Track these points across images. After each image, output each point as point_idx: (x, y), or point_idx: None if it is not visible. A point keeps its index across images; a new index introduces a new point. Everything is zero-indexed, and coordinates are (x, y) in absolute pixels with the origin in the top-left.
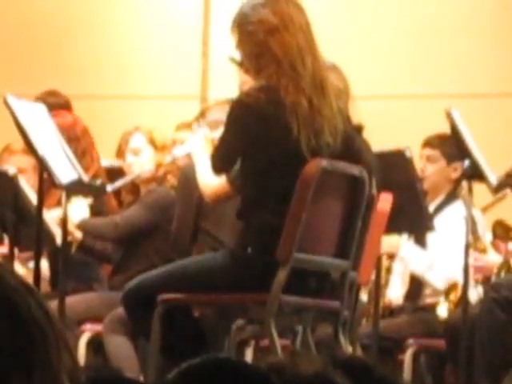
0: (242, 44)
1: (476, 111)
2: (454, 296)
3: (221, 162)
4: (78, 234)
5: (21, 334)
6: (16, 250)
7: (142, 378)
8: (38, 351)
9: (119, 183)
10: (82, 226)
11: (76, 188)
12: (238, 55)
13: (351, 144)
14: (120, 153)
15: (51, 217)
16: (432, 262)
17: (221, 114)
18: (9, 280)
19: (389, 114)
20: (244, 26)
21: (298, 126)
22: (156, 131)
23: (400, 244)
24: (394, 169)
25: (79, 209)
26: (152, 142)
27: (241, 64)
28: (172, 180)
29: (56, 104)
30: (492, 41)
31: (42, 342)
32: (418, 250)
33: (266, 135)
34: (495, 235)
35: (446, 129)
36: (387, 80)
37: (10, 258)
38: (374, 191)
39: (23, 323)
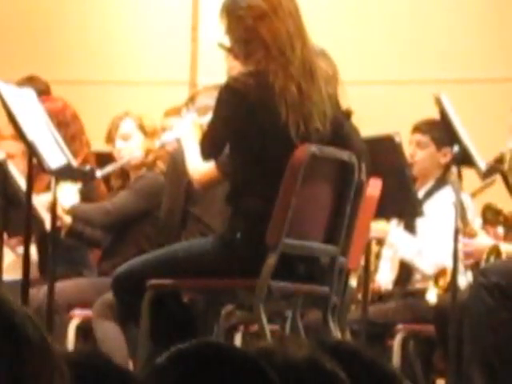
0: (231, 29)
1: (465, 96)
2: (443, 281)
3: (210, 147)
4: (68, 219)
5: (16, 358)
6: (5, 235)
7: (131, 364)
8: (32, 375)
9: (108, 169)
10: (72, 212)
11: (65, 173)
12: (227, 41)
13: (340, 129)
14: (110, 138)
15: (40, 201)
16: (421, 248)
17: (210, 100)
18: (9, 303)
19: (378, 100)
20: (233, 12)
21: (286, 111)
22: (146, 117)
23: (389, 230)
24: (383, 154)
25: (69, 194)
26: (142, 128)
27: (230, 49)
28: (161, 166)
29: (36, 90)
30: (480, 26)
31: (37, 368)
32: (407, 235)
33: (254, 120)
34: (485, 219)
35: (435, 114)
36: (376, 65)
37: None
38: (363, 177)
39: (19, 346)
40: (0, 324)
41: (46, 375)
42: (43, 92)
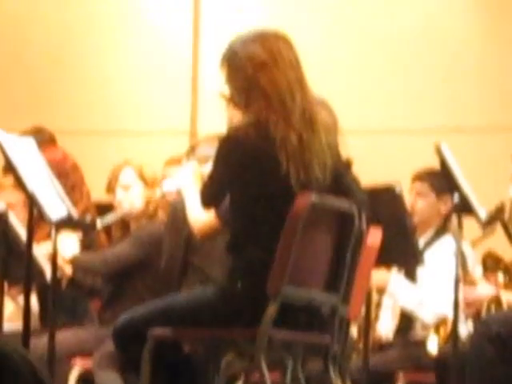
0: (231, 79)
1: (464, 145)
2: (444, 331)
3: (210, 196)
4: (68, 270)
5: None
6: (6, 285)
7: None
8: None
9: (109, 219)
10: (73, 261)
11: (66, 223)
12: (227, 91)
13: (341, 179)
14: (110, 188)
15: (41, 251)
16: (422, 298)
17: (210, 149)
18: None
19: (378, 149)
20: (233, 61)
21: (287, 160)
22: (146, 166)
23: (389, 279)
24: (384, 203)
25: (70, 244)
26: (142, 178)
27: (230, 99)
28: (162, 215)
29: (41, 141)
30: (480, 76)
31: None
32: (408, 285)
33: (254, 170)
34: (485, 267)
35: (435, 163)
36: (376, 115)
37: None
38: (364, 226)
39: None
40: None
41: None
42: (49, 142)
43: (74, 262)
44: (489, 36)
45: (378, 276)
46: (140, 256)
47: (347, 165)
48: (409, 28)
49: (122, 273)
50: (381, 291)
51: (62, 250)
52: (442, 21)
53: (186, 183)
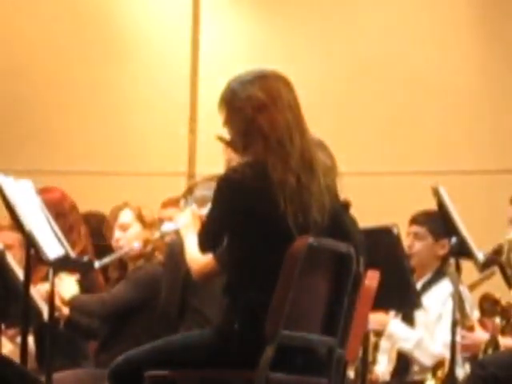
0: (230, 121)
1: (461, 188)
2: (442, 373)
3: (208, 240)
4: (66, 311)
5: None
6: (3, 326)
7: None
8: None
9: (107, 260)
10: (70, 302)
11: (63, 264)
12: (225, 133)
13: (339, 221)
14: (108, 228)
15: (39, 291)
16: (420, 340)
17: (208, 191)
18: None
19: (375, 191)
20: (232, 103)
21: (284, 202)
22: (144, 208)
23: (387, 322)
24: (381, 246)
25: (68, 284)
26: (140, 219)
27: (228, 142)
28: (159, 256)
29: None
30: (477, 120)
31: None
32: (406, 328)
33: (252, 211)
34: (482, 310)
35: (433, 205)
36: (373, 157)
37: None
38: (362, 268)
39: None
40: None
41: None
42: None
43: (71, 302)
44: (482, 77)
45: (376, 319)
46: (137, 298)
47: (345, 206)
48: (411, 71)
49: (118, 314)
50: (378, 334)
51: (61, 290)
52: (440, 63)
53: (186, 225)
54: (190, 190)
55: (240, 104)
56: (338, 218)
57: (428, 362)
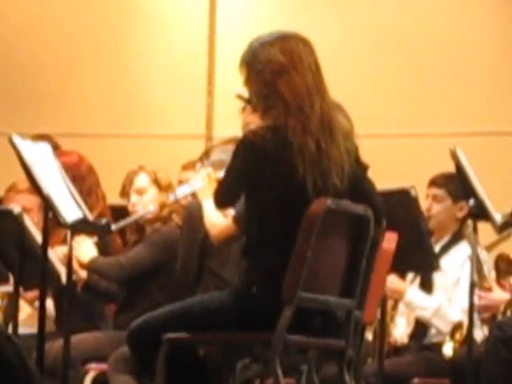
0: (250, 82)
1: (480, 150)
2: (460, 335)
3: (223, 195)
4: (83, 274)
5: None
6: (21, 289)
7: None
8: None
9: (123, 223)
10: (89, 265)
11: (81, 227)
12: (245, 92)
13: (359, 184)
14: (124, 192)
15: (57, 254)
16: (438, 308)
17: (224, 155)
18: None
19: (394, 153)
20: (252, 65)
21: (304, 167)
22: (160, 171)
23: (404, 290)
24: (399, 208)
25: (87, 247)
26: (156, 182)
27: (248, 101)
28: (177, 219)
29: None
30: (495, 81)
31: None
32: (423, 296)
33: (270, 174)
34: (498, 270)
35: (450, 168)
36: (392, 119)
37: (15, 296)
38: (380, 231)
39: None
40: None
41: None
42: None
43: (90, 265)
44: (500, 38)
45: (393, 287)
46: (155, 260)
47: (363, 169)
48: (429, 33)
49: (136, 277)
50: (396, 300)
51: (79, 253)
52: (459, 25)
53: (202, 189)
54: (206, 154)
55: (260, 67)
56: (358, 182)
57: (446, 328)
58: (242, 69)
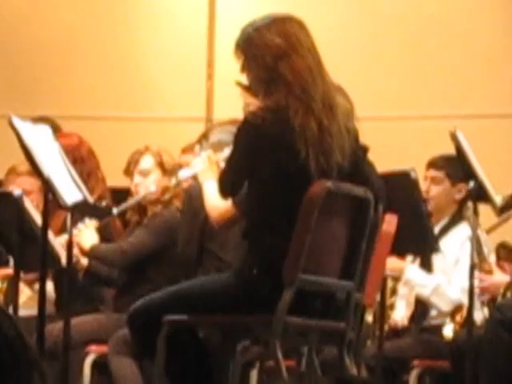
0: (249, 68)
1: (479, 132)
2: (460, 317)
3: (229, 186)
4: (84, 261)
5: None
6: (21, 272)
7: None
8: (9, 374)
9: (125, 205)
10: (90, 252)
11: (81, 209)
12: (244, 79)
13: (359, 165)
14: (128, 171)
15: (60, 242)
16: (437, 286)
17: (223, 135)
18: None
19: (393, 136)
20: (249, 51)
21: (306, 147)
22: (165, 154)
23: (404, 268)
24: (399, 190)
25: (89, 234)
26: (161, 165)
27: (247, 88)
28: (177, 203)
29: None
30: (496, 63)
31: (12, 364)
32: (423, 273)
33: (272, 156)
34: (499, 257)
35: (450, 150)
36: (391, 102)
37: (15, 279)
38: (380, 212)
39: None
40: None
41: (25, 372)
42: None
43: (92, 253)
44: (501, 21)
45: (392, 265)
46: (156, 245)
47: (363, 151)
48: (427, 14)
49: (138, 262)
50: (396, 278)
51: (81, 240)
52: (457, 7)
53: (203, 171)
54: (204, 136)
55: (258, 52)
56: (358, 162)
57: (445, 307)
58: (237, 55)
